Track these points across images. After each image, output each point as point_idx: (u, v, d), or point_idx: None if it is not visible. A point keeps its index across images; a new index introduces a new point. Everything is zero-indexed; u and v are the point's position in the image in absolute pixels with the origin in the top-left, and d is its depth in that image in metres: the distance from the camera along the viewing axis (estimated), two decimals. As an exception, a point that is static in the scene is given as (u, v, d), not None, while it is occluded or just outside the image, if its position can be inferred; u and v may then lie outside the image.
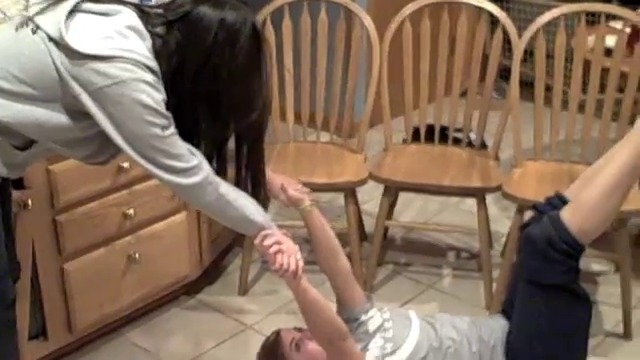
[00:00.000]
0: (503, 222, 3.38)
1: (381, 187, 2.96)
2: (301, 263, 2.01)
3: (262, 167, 2.09)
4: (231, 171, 2.03)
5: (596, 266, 3.19)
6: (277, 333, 2.23)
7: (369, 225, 3.26)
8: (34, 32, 1.77)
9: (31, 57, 1.76)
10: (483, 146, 3.23)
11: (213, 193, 1.90)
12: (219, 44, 1.81)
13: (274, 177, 2.26)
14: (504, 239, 3.16)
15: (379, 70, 2.98)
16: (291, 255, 1.99)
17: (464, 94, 3.11)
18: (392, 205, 3.16)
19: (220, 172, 1.96)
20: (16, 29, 1.80)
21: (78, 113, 1.78)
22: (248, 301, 2.98)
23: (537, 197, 2.75)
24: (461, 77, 3.08)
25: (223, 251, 3.12)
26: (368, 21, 2.99)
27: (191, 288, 2.97)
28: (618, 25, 2.96)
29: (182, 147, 1.83)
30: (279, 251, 1.99)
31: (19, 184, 2.23)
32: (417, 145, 3.16)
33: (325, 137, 3.17)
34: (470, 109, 3.09)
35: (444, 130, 3.16)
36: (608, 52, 2.92)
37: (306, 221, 2.27)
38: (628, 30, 2.94)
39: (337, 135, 3.16)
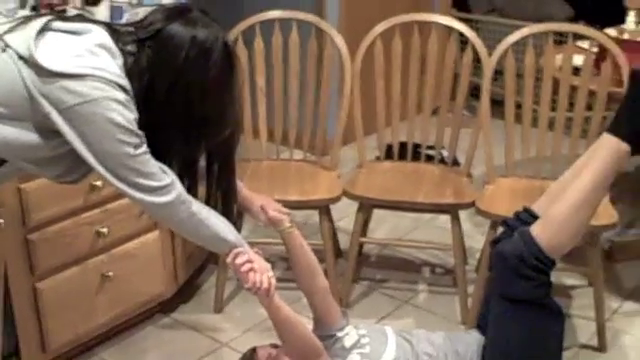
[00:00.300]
0: (477, 238, 3.41)
1: (355, 204, 2.98)
2: (273, 281, 2.02)
3: (233, 184, 2.10)
4: (202, 189, 2.04)
5: (569, 280, 3.22)
6: (253, 350, 2.23)
7: (344, 242, 3.27)
8: (3, 50, 1.76)
9: (0, 76, 1.74)
10: (455, 163, 3.26)
11: (185, 212, 1.90)
12: (190, 62, 1.82)
13: (253, 197, 2.26)
14: (478, 254, 3.19)
15: (351, 88, 3.01)
16: (263, 273, 2.00)
17: (435, 112, 3.15)
18: (366, 222, 3.18)
19: (191, 190, 1.96)
20: None
21: (48, 131, 1.77)
22: (223, 319, 2.97)
23: (510, 213, 2.77)
24: (432, 95, 3.11)
25: (198, 269, 3.12)
26: (339, 40, 3.02)
27: (166, 306, 2.96)
28: (585, 44, 3.01)
29: (154, 166, 1.83)
30: (251, 269, 1.99)
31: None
32: (390, 162, 3.18)
33: (298, 155, 3.18)
34: (442, 127, 3.12)
35: (417, 147, 3.19)
36: (576, 71, 2.97)
37: (286, 242, 2.29)
38: (595, 49, 2.99)
39: (310, 153, 3.17)
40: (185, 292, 3.05)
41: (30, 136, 1.78)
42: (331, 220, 3.08)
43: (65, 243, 2.47)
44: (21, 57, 1.73)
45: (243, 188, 2.26)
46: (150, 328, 2.89)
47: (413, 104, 3.11)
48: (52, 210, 2.41)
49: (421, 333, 2.34)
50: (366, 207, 3.01)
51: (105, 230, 2.56)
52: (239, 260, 2.00)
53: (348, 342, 2.26)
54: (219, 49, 1.85)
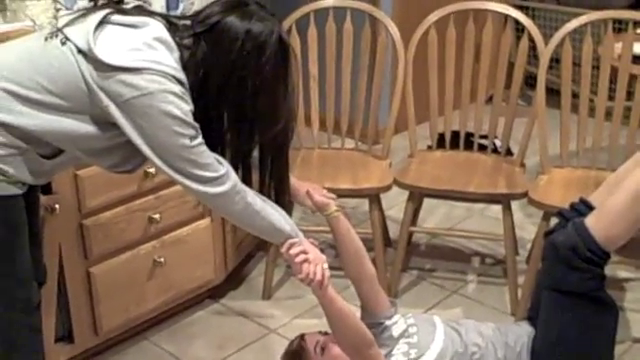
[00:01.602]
0: (528, 228, 3.36)
1: (406, 193, 2.96)
2: (327, 272, 2.01)
3: (286, 177, 2.10)
4: (255, 179, 2.04)
5: (623, 272, 3.16)
6: (301, 337, 2.23)
7: (393, 231, 3.26)
8: (63, 43, 1.79)
9: (60, 69, 1.78)
10: (509, 153, 3.21)
11: (240, 202, 1.91)
12: (245, 55, 1.82)
13: (299, 184, 2.26)
14: (529, 245, 3.15)
15: (404, 77, 2.98)
16: (317, 264, 2.00)
17: (490, 101, 3.11)
18: (416, 211, 3.16)
19: (245, 182, 1.97)
20: (45, 40, 1.82)
21: (105, 123, 1.80)
22: (272, 306, 2.99)
23: (563, 204, 2.73)
24: (486, 84, 3.07)
25: (247, 256, 3.14)
26: (393, 28, 3.00)
27: (215, 292, 2.99)
28: (646, 32, 2.94)
29: (209, 157, 1.85)
30: (305, 260, 1.99)
31: (47, 189, 2.27)
32: (442, 151, 3.15)
33: (350, 143, 3.18)
34: (495, 116, 3.08)
35: (469, 137, 3.15)
36: (636, 59, 2.90)
37: (332, 227, 2.27)
38: (656, 37, 2.92)
39: (362, 141, 3.16)
40: (234, 279, 3.07)
41: (88, 128, 1.81)
42: (381, 209, 3.07)
43: (118, 229, 2.51)
44: (80, 51, 1.76)
45: (292, 177, 2.26)
46: (200, 314, 2.92)
47: (466, 93, 3.07)
48: (106, 196, 2.45)
49: (470, 323, 2.32)
50: (416, 196, 2.99)
51: (157, 216, 2.59)
52: (294, 250, 2.00)
53: (396, 331, 2.25)
54: (274, 43, 1.84)
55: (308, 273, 1.98)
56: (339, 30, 3.03)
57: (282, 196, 2.07)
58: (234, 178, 1.89)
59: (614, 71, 2.92)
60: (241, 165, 1.97)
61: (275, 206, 2.02)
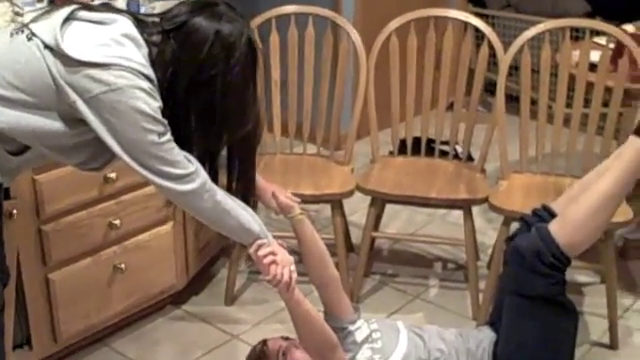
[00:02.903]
0: (489, 234, 3.40)
1: (368, 199, 2.97)
2: (294, 275, 2.02)
3: (253, 178, 2.11)
4: (222, 181, 2.04)
5: (582, 277, 3.21)
6: (263, 342, 2.23)
7: (356, 236, 3.27)
8: (29, 39, 1.78)
9: (26, 64, 1.76)
10: (469, 159, 3.25)
11: (209, 200, 1.90)
12: (214, 56, 1.82)
13: (265, 185, 2.27)
14: (490, 250, 3.18)
15: (366, 83, 3.00)
16: (285, 266, 2.00)
17: (450, 107, 3.14)
18: (379, 217, 3.17)
19: (212, 180, 1.96)
20: (11, 35, 1.81)
21: (73, 120, 1.79)
22: (235, 311, 2.98)
23: (523, 209, 2.77)
24: (447, 90, 3.10)
25: (209, 261, 3.13)
26: (355, 34, 3.02)
27: (177, 298, 2.97)
28: (602, 41, 2.99)
29: (179, 154, 1.84)
30: (273, 262, 1.99)
31: (4, 194, 2.23)
32: (404, 157, 3.18)
33: (312, 149, 3.18)
34: (456, 122, 3.11)
35: (430, 143, 3.18)
36: (593, 67, 2.95)
37: (296, 230, 2.28)
38: (612, 45, 2.97)
39: (324, 147, 3.17)
40: (197, 284, 3.06)
41: (55, 124, 1.80)
42: (343, 214, 3.08)
43: (78, 234, 2.48)
44: (47, 46, 1.75)
45: (259, 178, 2.25)
46: (162, 320, 2.90)
47: (428, 99, 3.10)
48: (66, 201, 2.42)
49: (433, 329, 2.34)
50: (379, 202, 3.01)
51: (118, 222, 2.57)
52: (262, 252, 1.99)
53: (359, 336, 2.26)
54: (243, 45, 1.84)
55: (275, 275, 1.98)
56: (301, 36, 3.04)
57: (249, 197, 2.07)
58: (203, 176, 1.89)
59: (572, 78, 2.97)
60: (209, 165, 1.96)
61: (244, 206, 2.01)
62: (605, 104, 2.92)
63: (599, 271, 3.07)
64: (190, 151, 1.89)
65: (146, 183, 2.58)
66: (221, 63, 1.82)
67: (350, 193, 2.92)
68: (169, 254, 2.79)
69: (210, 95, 1.84)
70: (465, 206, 2.91)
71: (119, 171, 2.46)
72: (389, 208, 3.25)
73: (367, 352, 2.21)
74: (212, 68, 1.82)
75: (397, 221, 3.62)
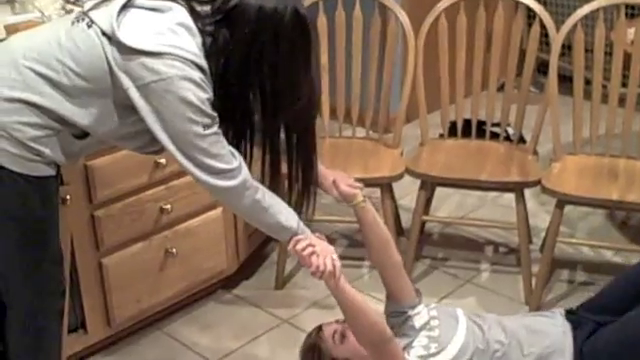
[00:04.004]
0: (542, 217, 3.34)
1: (417, 182, 2.95)
2: (337, 263, 1.99)
3: (313, 157, 2.07)
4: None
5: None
6: (318, 328, 2.21)
7: (406, 220, 3.24)
8: (89, 26, 1.82)
9: (86, 51, 1.81)
10: (521, 140, 3.19)
11: (249, 198, 1.91)
12: (259, 33, 1.81)
13: (326, 172, 2.25)
14: (543, 234, 3.13)
15: (414, 65, 2.96)
16: (326, 256, 1.98)
17: (501, 88, 3.09)
18: (429, 200, 3.15)
19: (272, 165, 1.97)
20: (72, 23, 1.86)
21: (128, 109, 1.82)
22: (284, 295, 2.99)
23: (577, 192, 2.73)
24: (498, 71, 3.05)
25: (260, 246, 3.14)
26: (403, 16, 2.98)
27: (228, 283, 2.99)
28: (659, 17, 2.91)
29: (223, 148, 1.85)
30: (313, 253, 1.98)
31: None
32: (454, 140, 3.14)
33: (361, 132, 3.16)
34: (507, 103, 3.06)
35: (481, 125, 3.13)
36: (648, 44, 2.87)
37: (358, 216, 2.25)
38: (669, 21, 2.89)
39: (373, 130, 3.15)
40: (247, 269, 3.07)
41: (112, 114, 1.84)
42: (393, 198, 3.05)
43: (130, 219, 2.51)
44: (104, 33, 1.79)
45: (320, 165, 2.22)
46: (212, 304, 2.93)
47: (478, 80, 3.05)
48: (117, 187, 2.45)
49: (493, 318, 2.26)
50: (428, 185, 2.98)
51: (169, 207, 2.58)
52: (299, 246, 1.98)
53: (418, 322, 2.21)
54: (289, 18, 1.82)
55: (318, 266, 1.96)
56: (348, 18, 3.02)
57: (308, 180, 2.05)
58: (245, 173, 1.89)
59: (627, 57, 2.89)
60: (269, 148, 1.96)
61: (283, 203, 2.00)
62: (662, 83, 2.85)
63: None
64: (247, 139, 1.90)
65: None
66: (267, 40, 1.81)
67: (400, 176, 2.90)
68: (219, 239, 2.80)
69: (261, 73, 1.83)
70: (517, 189, 2.87)
71: (169, 156, 2.46)
72: (439, 191, 3.21)
73: (424, 340, 2.17)
74: (259, 46, 1.81)
75: (448, 204, 3.58)
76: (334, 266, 1.98)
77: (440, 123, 3.14)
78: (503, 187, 2.96)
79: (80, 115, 1.84)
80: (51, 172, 1.89)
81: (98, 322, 2.54)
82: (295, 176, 2.03)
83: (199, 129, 1.79)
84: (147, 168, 2.49)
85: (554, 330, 2.20)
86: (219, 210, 2.77)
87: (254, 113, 1.91)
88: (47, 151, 1.85)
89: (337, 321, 2.20)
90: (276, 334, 2.78)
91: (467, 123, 3.12)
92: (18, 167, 1.84)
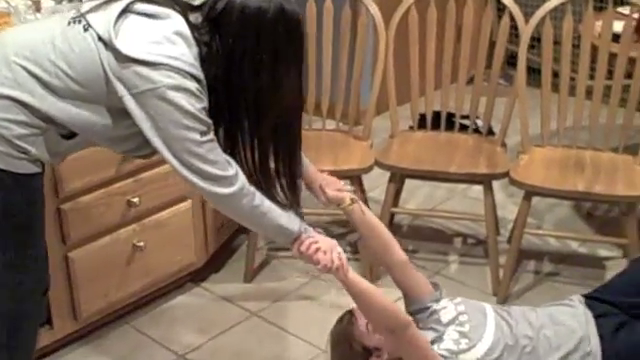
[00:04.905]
0: (510, 208, 3.36)
1: (387, 174, 2.95)
2: (343, 256, 1.98)
3: (297, 152, 2.04)
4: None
5: (604, 251, 3.18)
6: (350, 313, 2.16)
7: (375, 212, 3.20)
8: (85, 30, 1.80)
9: (80, 55, 1.79)
10: (490, 133, 3.21)
11: (248, 204, 1.90)
12: (245, 32, 1.79)
13: (315, 176, 2.22)
14: (511, 225, 3.15)
15: (385, 57, 2.96)
16: (332, 251, 1.97)
17: (471, 81, 3.10)
18: (398, 192, 3.15)
19: (261, 166, 1.95)
20: (68, 24, 1.83)
21: (120, 113, 1.81)
22: (254, 288, 2.98)
23: (544, 183, 2.76)
24: (468, 64, 3.06)
25: (228, 239, 3.12)
26: (373, 8, 2.97)
27: (197, 276, 2.97)
28: (626, 10, 2.93)
29: (219, 154, 1.84)
30: (318, 250, 1.96)
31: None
32: (423, 132, 3.14)
33: (331, 125, 3.15)
34: (477, 95, 3.07)
35: (451, 117, 3.14)
36: (616, 38, 2.89)
37: (351, 219, 2.23)
38: (636, 15, 2.91)
39: (343, 122, 3.14)
40: (216, 262, 3.05)
41: (103, 116, 1.83)
42: (363, 190, 3.05)
43: (97, 213, 2.48)
44: (101, 38, 1.77)
45: (310, 166, 2.21)
46: (181, 297, 2.91)
47: (448, 73, 3.06)
48: (84, 180, 2.42)
49: (519, 311, 2.22)
50: (398, 177, 2.98)
51: (136, 200, 2.56)
52: (303, 247, 1.97)
53: (445, 317, 2.17)
54: (272, 14, 1.79)
55: (326, 262, 1.94)
56: (319, 10, 3.00)
57: (295, 171, 2.02)
58: (243, 180, 1.88)
59: (594, 50, 2.92)
60: (257, 151, 1.94)
61: (281, 208, 1.98)
62: (629, 75, 2.87)
63: (621, 245, 3.03)
64: (240, 142, 1.89)
65: (164, 161, 2.61)
66: (251, 39, 1.80)
67: (369, 168, 2.90)
68: (188, 232, 2.79)
69: (244, 73, 1.82)
70: (485, 181, 2.88)
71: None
72: (409, 183, 3.22)
73: (454, 334, 2.13)
74: (243, 46, 1.80)
75: (417, 197, 3.59)
76: (341, 259, 1.97)
77: (410, 115, 3.15)
78: (471, 179, 2.98)
79: (71, 117, 1.83)
80: (37, 170, 1.88)
81: (65, 316, 2.51)
82: (282, 172, 2.00)
83: (196, 136, 1.78)
84: (114, 161, 2.46)
85: (577, 319, 2.17)
86: (188, 203, 2.75)
87: (240, 117, 1.89)
88: (33, 149, 1.84)
89: None
90: (245, 327, 2.77)
91: (436, 115, 3.13)
92: (3, 164, 1.82)
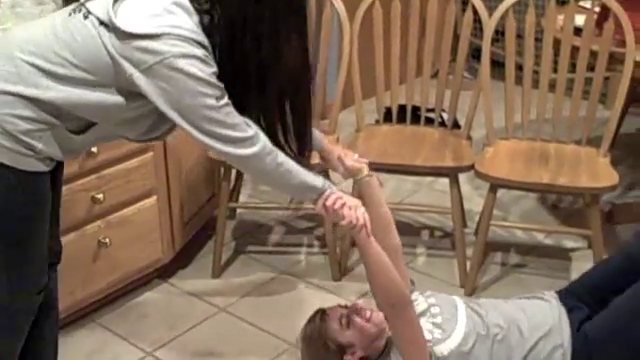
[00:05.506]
0: (476, 201, 3.39)
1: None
2: (367, 216, 1.98)
3: (308, 127, 2.05)
4: None
5: (569, 242, 3.21)
6: (322, 312, 2.16)
7: (342, 206, 3.24)
8: (85, 17, 1.80)
9: (83, 42, 1.79)
10: (456, 126, 3.23)
11: (272, 163, 1.90)
12: (243, 7, 1.79)
13: (332, 148, 2.23)
14: (477, 217, 3.17)
15: (350, 51, 2.96)
16: (357, 208, 1.97)
17: (436, 74, 3.11)
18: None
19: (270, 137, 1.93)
20: (69, 15, 1.84)
21: (131, 94, 1.81)
22: (221, 284, 2.97)
23: (509, 176, 2.78)
24: (432, 57, 3.07)
25: (195, 234, 3.11)
26: (338, 3, 2.97)
27: (164, 272, 2.96)
28: (587, 4, 2.96)
29: (237, 117, 1.84)
30: (344, 205, 1.95)
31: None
32: (389, 126, 3.15)
33: (297, 119, 3.15)
34: (442, 89, 3.08)
35: (416, 110, 3.15)
36: (578, 31, 2.92)
37: (363, 192, 2.21)
38: (597, 9, 2.94)
39: (309, 117, 3.14)
40: (183, 258, 3.04)
41: (115, 99, 1.82)
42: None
43: (61, 210, 2.45)
44: (102, 22, 1.77)
45: (324, 139, 2.21)
46: (148, 294, 2.89)
47: (413, 66, 3.07)
48: (47, 176, 2.39)
49: (489, 303, 2.25)
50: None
51: (101, 196, 2.54)
52: (329, 201, 1.95)
53: (416, 309, 2.18)
54: None
55: (351, 218, 1.94)
56: (284, 4, 2.99)
57: (303, 145, 2.02)
58: (264, 139, 1.88)
59: (557, 43, 2.95)
60: (264, 122, 1.93)
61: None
62: (591, 68, 2.91)
63: (586, 236, 3.06)
64: (249, 115, 1.88)
65: (128, 156, 2.60)
66: (250, 8, 1.80)
67: (335, 163, 2.90)
68: (154, 228, 2.77)
69: (244, 49, 1.81)
70: (451, 174, 2.90)
71: (100, 145, 2.43)
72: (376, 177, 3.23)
73: (428, 325, 2.14)
74: (244, 14, 1.79)
75: (385, 190, 3.59)
76: (365, 219, 1.96)
77: (376, 109, 3.16)
78: (437, 172, 2.99)
79: (79, 103, 1.81)
80: (44, 168, 1.86)
81: (30, 315, 2.48)
82: (292, 143, 2.00)
83: (212, 101, 1.78)
84: (78, 157, 2.43)
85: (550, 312, 2.20)
86: (153, 198, 2.73)
87: (246, 88, 1.88)
88: (40, 146, 1.82)
89: (341, 306, 2.18)
90: (213, 323, 2.76)
91: (402, 109, 3.14)
92: (9, 160, 1.81)
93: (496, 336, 2.13)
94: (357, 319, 2.09)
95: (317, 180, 1.99)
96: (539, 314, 2.19)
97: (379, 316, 2.09)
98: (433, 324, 2.15)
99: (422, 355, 2.07)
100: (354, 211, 1.96)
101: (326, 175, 2.18)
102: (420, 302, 2.21)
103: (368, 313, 2.10)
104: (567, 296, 2.27)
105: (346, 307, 2.16)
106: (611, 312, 2.16)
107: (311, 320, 2.18)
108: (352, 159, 2.23)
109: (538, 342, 2.13)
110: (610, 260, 2.40)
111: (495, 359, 2.12)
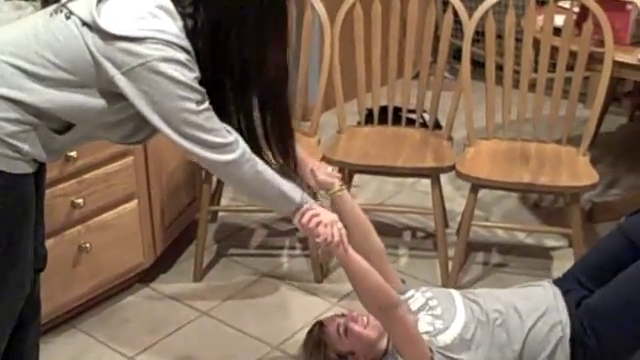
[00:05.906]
0: (458, 201, 3.39)
1: (335, 169, 2.94)
2: (343, 231, 1.98)
3: (289, 132, 2.03)
4: None
5: (550, 241, 3.22)
6: (319, 324, 2.18)
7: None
8: (67, 17, 1.79)
9: (65, 42, 1.77)
10: (437, 126, 3.23)
11: (250, 170, 1.89)
12: (227, 8, 1.79)
13: (306, 160, 2.21)
14: (459, 218, 3.18)
15: (331, 53, 2.96)
16: (333, 225, 1.97)
17: (417, 76, 3.11)
18: (347, 187, 3.15)
19: (251, 141, 1.93)
20: (50, 15, 1.82)
21: (113, 96, 1.80)
22: (204, 287, 2.95)
23: (490, 176, 2.79)
24: (413, 59, 3.07)
25: (176, 238, 3.09)
26: (318, 4, 2.97)
27: (145, 276, 2.94)
28: (566, 4, 2.97)
29: (217, 122, 1.84)
30: (319, 223, 1.95)
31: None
32: (371, 127, 3.15)
33: (278, 121, 3.14)
34: (423, 90, 3.09)
35: (397, 111, 3.16)
36: (557, 31, 2.94)
37: (336, 205, 2.21)
38: (576, 9, 2.96)
39: (290, 119, 3.13)
40: (164, 262, 3.02)
41: (97, 102, 1.81)
42: (311, 187, 3.05)
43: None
44: (84, 23, 1.76)
45: (300, 148, 2.19)
46: (130, 298, 2.87)
47: (394, 68, 3.07)
48: (26, 181, 2.37)
49: (485, 292, 2.30)
50: (346, 172, 2.98)
51: (81, 201, 2.52)
52: (305, 218, 1.96)
53: (415, 305, 2.21)
54: None
55: (326, 235, 1.94)
56: (263, 6, 2.98)
57: (288, 162, 2.01)
58: (243, 146, 1.88)
59: (537, 43, 2.96)
60: (246, 128, 1.92)
61: (283, 178, 1.98)
62: (570, 68, 2.92)
63: (567, 235, 3.08)
64: (229, 121, 1.88)
65: (109, 160, 2.58)
66: (233, 12, 1.80)
67: (317, 165, 2.89)
68: (135, 232, 2.75)
69: (227, 52, 1.81)
70: (432, 174, 2.90)
71: (80, 150, 2.41)
72: (358, 178, 3.22)
73: (428, 318, 2.17)
74: (228, 18, 1.79)
75: (366, 191, 3.60)
76: (340, 234, 1.97)
77: (357, 111, 3.15)
78: (419, 173, 3.00)
79: (62, 106, 1.80)
80: (29, 170, 1.85)
81: (9, 321, 2.46)
82: (274, 148, 1.99)
83: (192, 105, 1.77)
84: (56, 162, 2.40)
85: (544, 294, 2.24)
86: (134, 203, 2.72)
87: (227, 92, 1.88)
88: (26, 147, 1.81)
89: (337, 315, 2.19)
90: (195, 327, 2.74)
91: (383, 110, 3.14)
92: None
93: (496, 321, 2.16)
94: (355, 327, 2.12)
95: (295, 193, 1.98)
96: (534, 297, 2.24)
97: (376, 320, 2.11)
98: (433, 316, 2.17)
99: (420, 351, 2.09)
100: (329, 228, 1.96)
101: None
102: (417, 297, 2.24)
103: (365, 319, 2.13)
104: (562, 281, 2.32)
105: (343, 316, 2.17)
106: (614, 284, 2.19)
107: (310, 333, 2.21)
108: (324, 173, 2.21)
109: (537, 322, 2.17)
110: (604, 243, 2.42)
111: (496, 343, 2.15)
